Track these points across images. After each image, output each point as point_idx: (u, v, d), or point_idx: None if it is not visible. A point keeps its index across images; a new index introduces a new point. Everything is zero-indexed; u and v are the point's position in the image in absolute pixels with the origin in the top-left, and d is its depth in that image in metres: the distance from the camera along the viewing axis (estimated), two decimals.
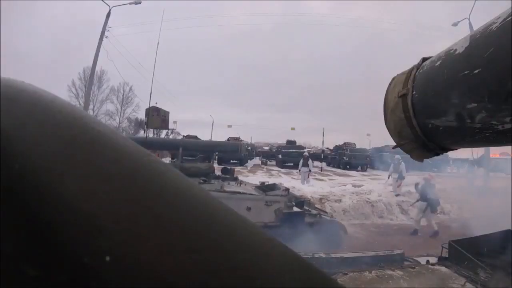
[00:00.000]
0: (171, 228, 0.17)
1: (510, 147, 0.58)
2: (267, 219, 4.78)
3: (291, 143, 23.30)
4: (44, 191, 0.17)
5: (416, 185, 7.98)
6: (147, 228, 0.17)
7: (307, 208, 5.75)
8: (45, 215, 0.16)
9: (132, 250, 0.16)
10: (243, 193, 5.40)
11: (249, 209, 4.76)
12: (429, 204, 7.29)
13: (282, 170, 18.89)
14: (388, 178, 11.85)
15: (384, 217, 8.86)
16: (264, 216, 4.77)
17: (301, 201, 5.81)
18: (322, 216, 5.63)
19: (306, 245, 3.93)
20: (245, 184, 6.67)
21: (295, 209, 5.31)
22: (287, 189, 5.84)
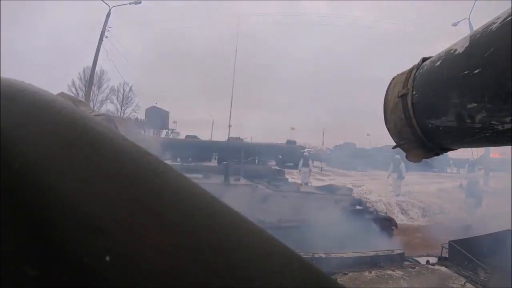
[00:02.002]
0: (171, 228, 0.17)
1: (510, 147, 0.58)
2: (330, 216, 5.12)
3: (291, 143, 23.30)
4: (44, 191, 0.17)
5: (461, 185, 8.84)
6: (147, 228, 0.17)
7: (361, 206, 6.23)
8: (45, 215, 0.16)
9: (132, 250, 0.16)
10: (316, 194, 5.96)
11: (319, 208, 5.18)
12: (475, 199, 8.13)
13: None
14: (388, 178, 11.85)
15: None
16: (329, 214, 5.15)
17: (359, 200, 6.34)
18: (379, 212, 6.27)
19: (369, 239, 4.35)
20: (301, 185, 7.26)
21: (358, 207, 5.84)
22: (350, 189, 6.51)
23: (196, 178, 5.35)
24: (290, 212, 4.96)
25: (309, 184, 7.52)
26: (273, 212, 4.85)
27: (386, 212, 6.91)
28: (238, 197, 4.88)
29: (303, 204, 5.24)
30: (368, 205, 6.98)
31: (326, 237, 3.95)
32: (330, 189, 6.57)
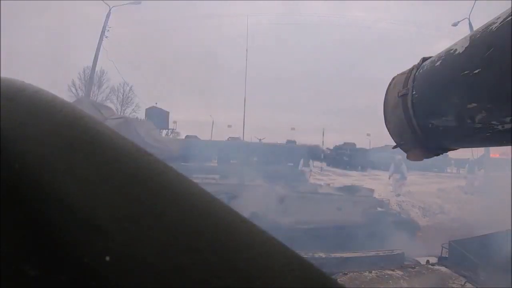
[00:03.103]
0: (171, 228, 0.17)
1: (510, 147, 0.58)
2: (355, 218, 5.13)
3: (291, 143, 23.28)
4: (44, 191, 0.17)
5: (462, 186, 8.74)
6: (147, 228, 0.17)
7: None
8: (45, 215, 0.16)
9: (132, 250, 0.16)
10: (335, 194, 5.92)
11: (339, 209, 5.18)
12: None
13: None
14: (389, 179, 11.84)
15: None
16: (352, 216, 5.17)
17: (381, 201, 6.26)
18: (400, 214, 6.27)
19: (392, 241, 4.25)
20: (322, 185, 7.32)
21: (379, 209, 5.77)
22: (371, 190, 6.42)
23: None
24: (313, 214, 4.94)
25: (330, 185, 7.52)
26: (298, 213, 4.85)
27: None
28: (259, 198, 4.96)
29: (325, 206, 5.20)
30: (389, 206, 6.97)
31: (351, 239, 3.99)
32: (350, 190, 6.48)
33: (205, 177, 6.08)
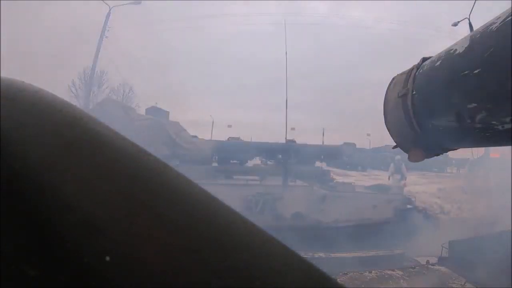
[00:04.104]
0: (171, 228, 0.17)
1: (510, 147, 0.58)
2: (387, 215, 5.45)
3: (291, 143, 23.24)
4: (44, 191, 0.17)
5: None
6: (147, 228, 0.17)
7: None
8: (45, 215, 0.16)
9: (132, 250, 0.16)
10: (369, 193, 6.29)
11: (374, 207, 5.48)
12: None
13: None
14: (389, 179, 11.83)
15: None
16: (385, 213, 5.49)
17: (409, 199, 6.57)
18: (427, 211, 6.58)
19: (419, 236, 4.45)
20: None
21: (408, 206, 6.10)
22: (401, 188, 6.70)
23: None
24: (351, 212, 5.12)
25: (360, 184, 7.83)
26: (338, 212, 5.04)
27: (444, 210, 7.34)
28: (302, 197, 5.21)
29: (361, 204, 5.43)
30: (417, 204, 7.26)
31: (387, 234, 4.16)
32: (381, 188, 6.87)
33: (246, 178, 6.17)
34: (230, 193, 4.64)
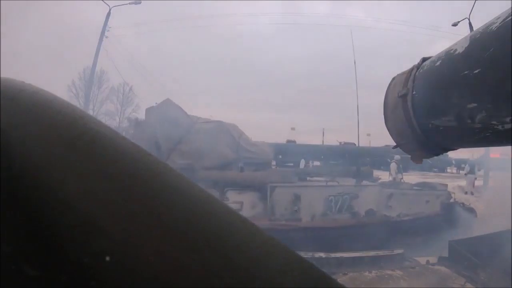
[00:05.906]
0: (171, 228, 0.17)
1: (510, 147, 0.58)
2: (435, 209, 6.42)
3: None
4: (44, 191, 0.17)
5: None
6: (147, 228, 0.17)
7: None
8: (45, 215, 0.16)
9: (132, 250, 0.16)
10: (423, 190, 7.02)
11: (427, 202, 6.45)
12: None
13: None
14: (389, 179, 11.85)
15: None
16: (434, 207, 6.46)
17: (450, 194, 7.35)
18: (465, 204, 7.37)
19: (462, 227, 5.44)
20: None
21: (451, 200, 6.97)
22: (445, 185, 7.55)
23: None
24: (410, 207, 6.05)
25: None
26: (400, 207, 5.97)
27: (470, 204, 7.91)
28: (373, 196, 5.96)
29: (417, 200, 6.36)
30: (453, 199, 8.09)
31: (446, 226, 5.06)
32: (428, 186, 7.51)
33: (315, 179, 6.60)
34: (314, 194, 5.60)
